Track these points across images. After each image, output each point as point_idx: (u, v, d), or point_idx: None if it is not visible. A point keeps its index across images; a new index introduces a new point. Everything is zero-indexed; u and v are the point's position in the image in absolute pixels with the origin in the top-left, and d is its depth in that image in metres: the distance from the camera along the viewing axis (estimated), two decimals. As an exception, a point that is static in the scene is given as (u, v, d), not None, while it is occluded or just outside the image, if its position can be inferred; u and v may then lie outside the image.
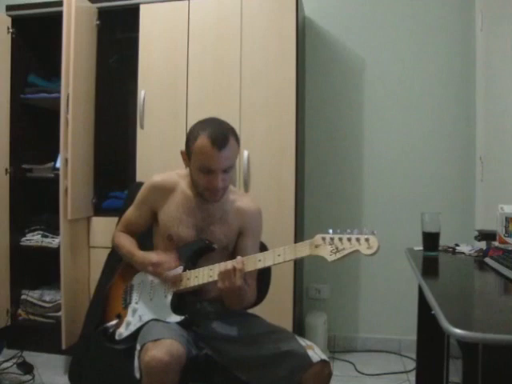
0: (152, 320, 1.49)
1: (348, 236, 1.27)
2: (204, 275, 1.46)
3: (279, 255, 1.36)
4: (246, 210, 1.61)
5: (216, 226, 1.58)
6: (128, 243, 1.64)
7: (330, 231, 1.30)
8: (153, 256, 1.54)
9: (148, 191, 1.62)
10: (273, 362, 1.40)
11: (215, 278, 1.43)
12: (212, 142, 1.43)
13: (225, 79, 2.51)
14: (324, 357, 1.39)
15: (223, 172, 1.47)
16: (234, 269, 1.38)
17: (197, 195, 1.57)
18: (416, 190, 2.85)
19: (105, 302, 1.63)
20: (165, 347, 1.29)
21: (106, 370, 1.96)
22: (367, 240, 1.25)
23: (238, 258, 1.43)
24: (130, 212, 1.68)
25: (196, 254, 1.54)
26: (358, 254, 1.27)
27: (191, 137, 1.49)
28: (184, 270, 1.51)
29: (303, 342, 1.44)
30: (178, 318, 1.46)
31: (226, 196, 1.58)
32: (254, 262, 1.40)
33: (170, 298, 1.50)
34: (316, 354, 1.39)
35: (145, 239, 1.70)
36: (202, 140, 1.44)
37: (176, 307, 1.49)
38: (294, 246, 1.36)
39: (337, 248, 1.28)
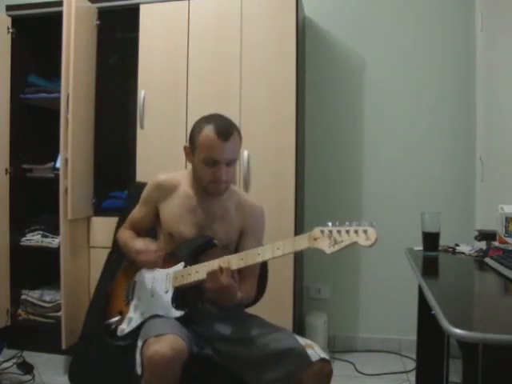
0: (153, 316, 1.49)
1: (346, 228, 1.27)
2: (204, 271, 1.45)
3: (278, 248, 1.36)
4: (248, 209, 1.64)
5: (217, 224, 1.59)
6: (127, 235, 1.67)
7: (329, 224, 1.30)
8: (138, 243, 1.57)
9: (152, 190, 1.65)
10: (272, 361, 1.40)
11: None
12: (217, 134, 1.48)
13: (225, 79, 2.51)
14: (324, 355, 1.39)
15: (226, 165, 1.51)
16: (221, 268, 1.39)
17: (198, 193, 1.59)
18: (416, 190, 2.85)
19: (107, 299, 1.64)
20: (167, 342, 1.29)
21: (106, 370, 1.96)
22: (365, 232, 1.25)
23: (225, 257, 1.44)
24: (136, 211, 1.71)
25: (197, 250, 1.55)
26: (357, 245, 1.26)
27: (196, 130, 1.53)
28: (185, 266, 1.52)
29: (303, 340, 1.44)
30: (177, 313, 1.47)
31: (227, 194, 1.60)
32: (254, 256, 1.40)
33: (170, 294, 1.51)
34: (315, 352, 1.39)
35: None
36: (207, 132, 1.49)
37: (176, 303, 1.49)
38: (293, 239, 1.36)
39: (335, 240, 1.27)
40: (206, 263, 1.47)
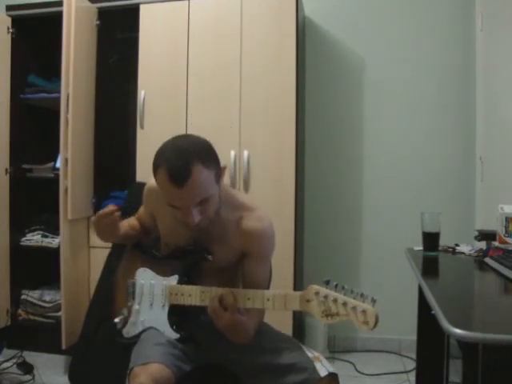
0: (150, 328, 1.46)
1: (344, 300, 1.15)
2: (197, 297, 1.38)
3: (268, 300, 1.28)
4: (252, 232, 1.40)
5: (215, 245, 1.42)
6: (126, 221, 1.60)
7: (327, 281, 1.19)
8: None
9: (145, 195, 1.55)
10: (280, 373, 1.36)
11: (206, 303, 1.35)
12: (170, 179, 1.22)
13: (225, 79, 2.51)
14: (332, 369, 1.36)
15: (197, 205, 1.27)
16: (223, 306, 1.30)
17: None
18: (416, 190, 2.85)
19: (111, 294, 1.61)
20: (151, 374, 1.27)
21: (106, 370, 1.96)
22: (364, 312, 1.12)
23: (216, 293, 1.33)
24: (141, 207, 1.64)
25: (191, 264, 1.46)
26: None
27: (155, 163, 1.29)
28: (179, 282, 1.44)
29: (310, 352, 1.41)
30: (174, 335, 1.42)
31: (226, 208, 1.42)
32: (244, 299, 1.31)
33: (166, 309, 1.44)
34: (324, 366, 1.36)
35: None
36: (161, 174, 1.24)
37: (174, 321, 1.44)
38: (285, 295, 1.28)
39: (329, 310, 1.17)
40: (198, 288, 1.38)
